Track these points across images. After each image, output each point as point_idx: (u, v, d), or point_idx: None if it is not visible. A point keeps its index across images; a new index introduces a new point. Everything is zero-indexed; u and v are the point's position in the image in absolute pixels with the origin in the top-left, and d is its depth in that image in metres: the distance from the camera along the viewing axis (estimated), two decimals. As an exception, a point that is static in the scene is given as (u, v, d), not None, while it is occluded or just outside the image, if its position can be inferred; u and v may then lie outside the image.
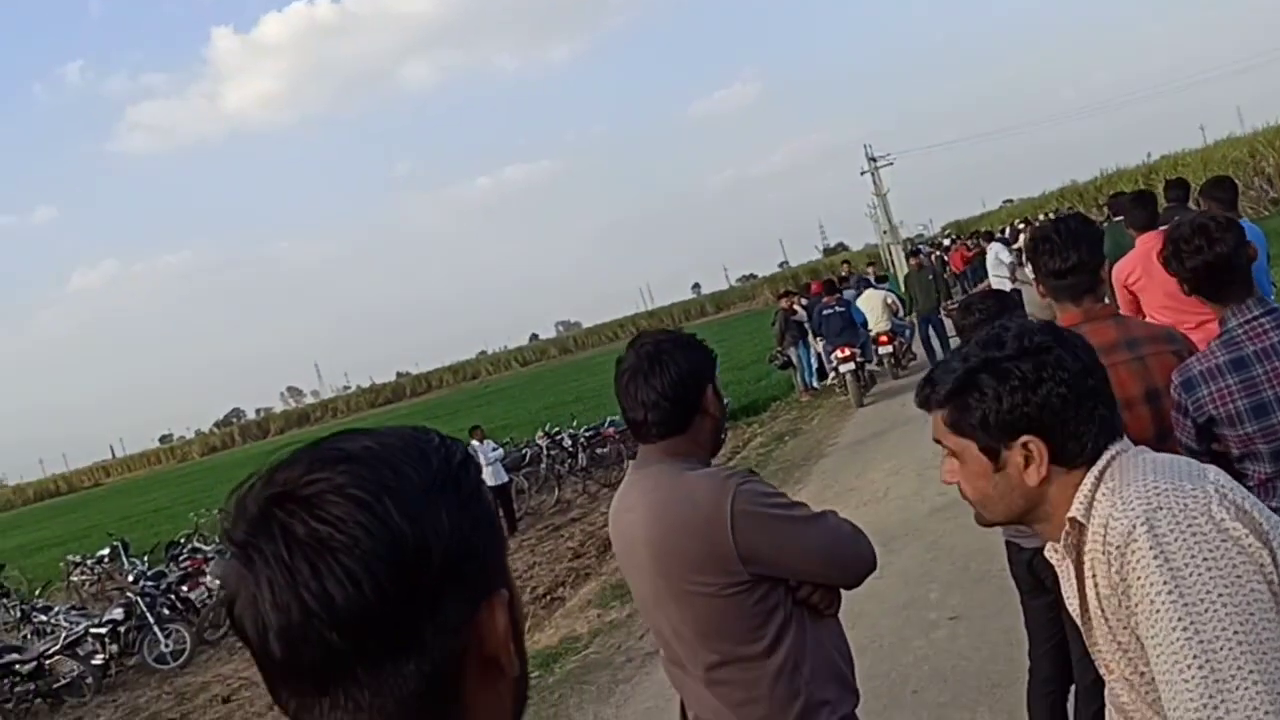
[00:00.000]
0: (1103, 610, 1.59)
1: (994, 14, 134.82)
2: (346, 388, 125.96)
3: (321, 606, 0.74)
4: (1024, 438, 1.61)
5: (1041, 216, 41.54)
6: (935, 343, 15.76)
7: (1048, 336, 1.64)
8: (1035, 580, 3.39)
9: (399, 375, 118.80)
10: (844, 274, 22.55)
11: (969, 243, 30.50)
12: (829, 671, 2.25)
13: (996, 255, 15.25)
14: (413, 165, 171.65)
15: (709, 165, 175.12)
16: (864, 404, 14.83)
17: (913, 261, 18.16)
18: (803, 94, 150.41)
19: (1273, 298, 7.76)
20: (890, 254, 44.07)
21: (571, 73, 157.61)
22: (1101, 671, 1.73)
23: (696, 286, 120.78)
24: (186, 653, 10.75)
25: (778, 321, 17.49)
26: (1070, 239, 2.91)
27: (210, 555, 13.66)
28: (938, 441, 1.71)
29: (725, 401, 2.43)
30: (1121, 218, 8.52)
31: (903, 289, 17.72)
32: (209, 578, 12.46)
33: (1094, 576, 1.58)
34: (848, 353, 14.81)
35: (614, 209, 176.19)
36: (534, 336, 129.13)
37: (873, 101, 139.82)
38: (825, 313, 15.47)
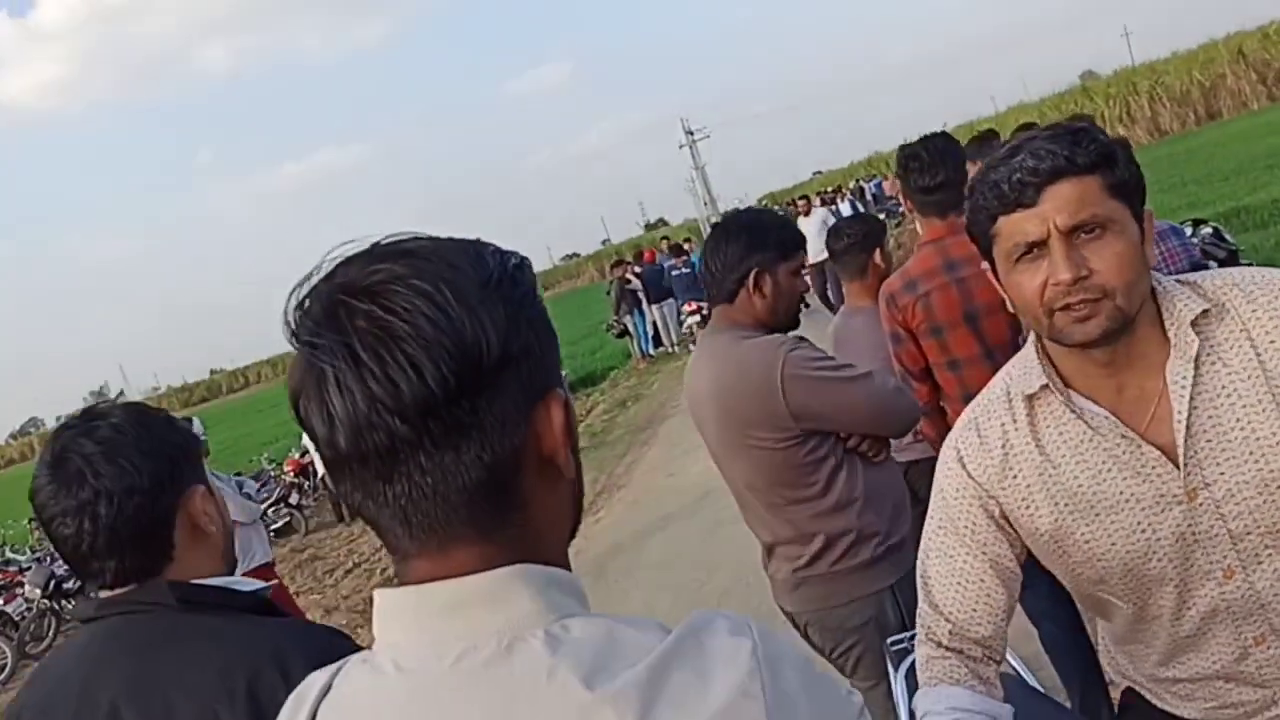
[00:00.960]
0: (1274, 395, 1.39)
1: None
2: (156, 389, 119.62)
3: (387, 394, 0.76)
4: (1147, 208, 1.46)
5: (853, 183, 43.24)
6: None
7: None
8: (911, 493, 3.56)
9: (213, 372, 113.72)
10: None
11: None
12: (880, 508, 2.54)
13: (824, 221, 15.21)
14: (216, 153, 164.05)
15: (526, 145, 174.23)
16: None
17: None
18: (616, 71, 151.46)
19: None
20: (710, 227, 44.88)
21: (381, 54, 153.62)
22: (1214, 576, 1.47)
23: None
24: (9, 668, 10.10)
25: (614, 291, 17.63)
26: (938, 156, 3.04)
27: (26, 566, 12.81)
28: (1074, 229, 1.36)
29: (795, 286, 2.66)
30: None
31: None
32: (26, 589, 11.71)
33: (1249, 356, 1.41)
34: (694, 306, 15.59)
35: (430, 192, 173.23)
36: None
37: (686, 77, 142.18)
38: (674, 273, 16.23)
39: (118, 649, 1.40)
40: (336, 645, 1.37)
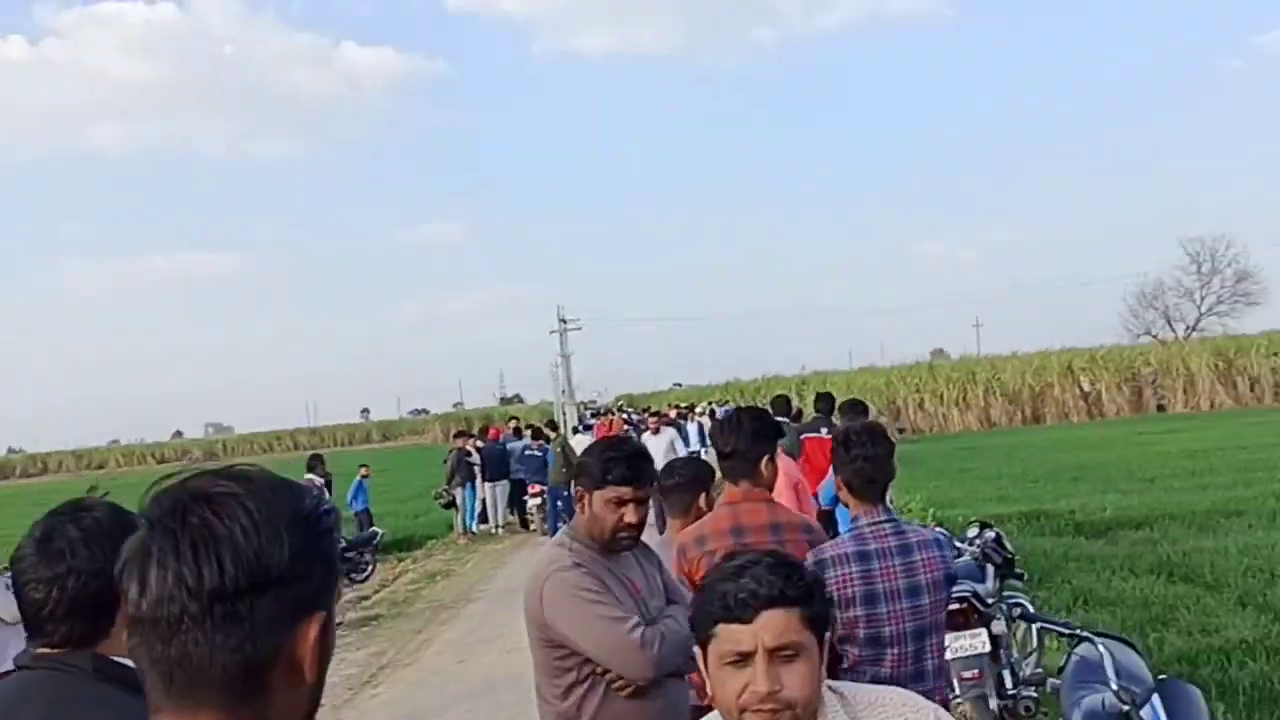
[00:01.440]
0: None
1: (690, 210, 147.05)
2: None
3: (191, 578, 0.99)
4: (829, 633, 1.80)
5: (703, 404, 44.57)
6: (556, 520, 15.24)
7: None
8: None
9: (10, 451, 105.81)
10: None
11: (617, 418, 30.36)
12: None
13: (671, 442, 15.63)
14: (82, 229, 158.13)
15: (401, 294, 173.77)
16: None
17: (556, 434, 17.52)
18: (508, 243, 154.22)
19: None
20: (565, 414, 45.33)
21: (280, 172, 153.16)
22: None
23: (366, 411, 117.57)
24: None
25: (450, 460, 17.56)
26: (733, 428, 3.40)
27: None
28: (776, 650, 1.69)
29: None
30: (780, 418, 9.57)
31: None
32: None
33: None
34: (536, 489, 16.37)
35: (293, 318, 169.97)
36: (178, 434, 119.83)
37: (573, 264, 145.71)
38: (528, 452, 16.49)
39: (34, 696, 1.72)
40: None
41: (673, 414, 28.12)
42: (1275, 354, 37.64)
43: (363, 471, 17.47)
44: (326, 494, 11.93)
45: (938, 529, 3.26)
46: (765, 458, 3.38)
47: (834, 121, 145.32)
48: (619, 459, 2.86)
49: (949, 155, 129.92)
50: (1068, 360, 40.43)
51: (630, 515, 2.82)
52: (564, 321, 43.96)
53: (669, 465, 4.21)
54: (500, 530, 17.55)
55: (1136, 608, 8.20)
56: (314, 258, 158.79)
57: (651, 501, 3.08)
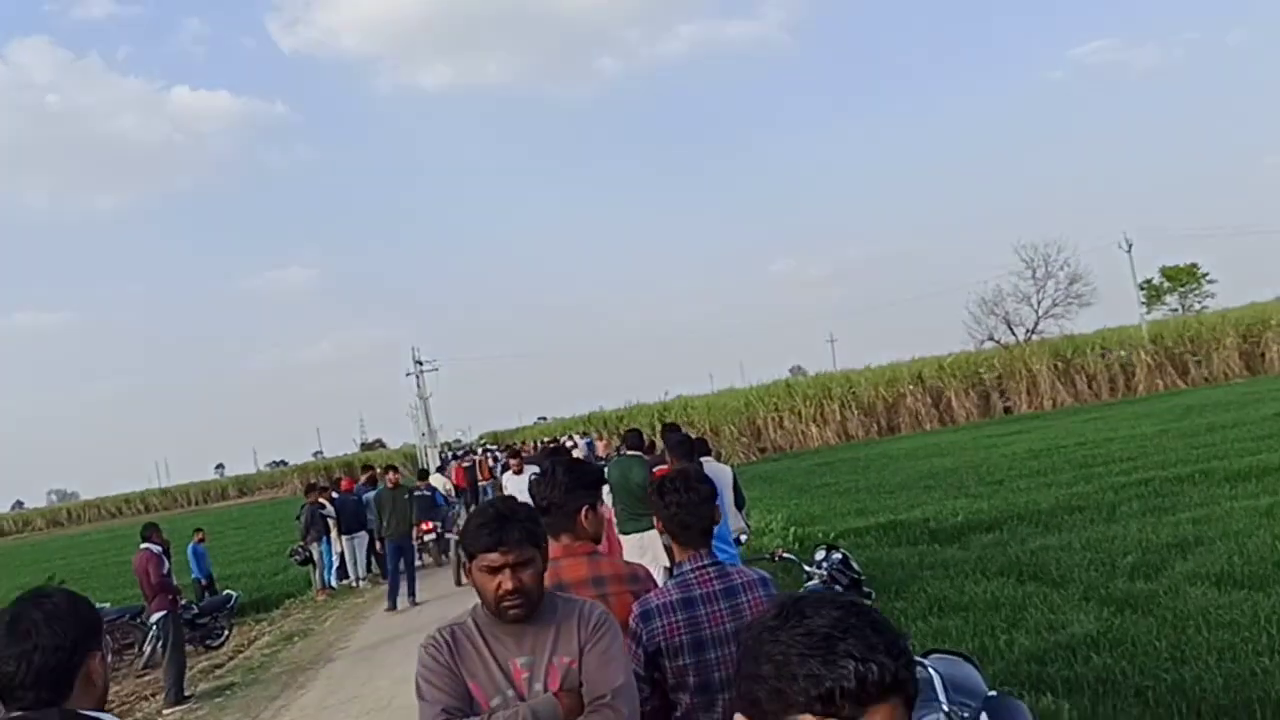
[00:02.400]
0: None
1: (542, 244, 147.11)
2: None
3: (35, 653, 2.15)
4: None
5: (572, 434, 44.41)
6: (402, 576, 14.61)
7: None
8: None
9: None
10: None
11: (483, 458, 30.01)
12: None
13: (518, 490, 15.12)
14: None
15: (251, 344, 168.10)
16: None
17: (390, 477, 16.13)
18: (357, 288, 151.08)
19: (745, 538, 8.92)
20: (427, 456, 44.52)
21: (113, 225, 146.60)
22: None
23: (220, 467, 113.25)
24: None
25: (304, 515, 16.94)
26: (548, 482, 3.30)
27: None
28: None
29: None
30: (634, 451, 9.47)
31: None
32: None
33: None
34: (430, 526, 16.74)
35: (137, 375, 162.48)
36: (19, 504, 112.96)
37: (426, 304, 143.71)
38: (416, 494, 16.09)
39: None
40: None
41: (528, 452, 27.92)
42: (1106, 351, 39.78)
43: (198, 537, 16.74)
44: (165, 562, 11.30)
45: (759, 571, 3.15)
46: (584, 509, 3.27)
47: (684, 147, 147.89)
48: (484, 524, 2.66)
49: (798, 176, 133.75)
50: (918, 370, 41.85)
51: (506, 582, 2.59)
52: (419, 363, 43.32)
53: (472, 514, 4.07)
54: (361, 583, 16.99)
55: (988, 610, 8.40)
56: (157, 311, 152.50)
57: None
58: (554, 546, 3.18)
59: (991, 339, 48.43)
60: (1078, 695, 5.96)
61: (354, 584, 16.95)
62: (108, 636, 13.67)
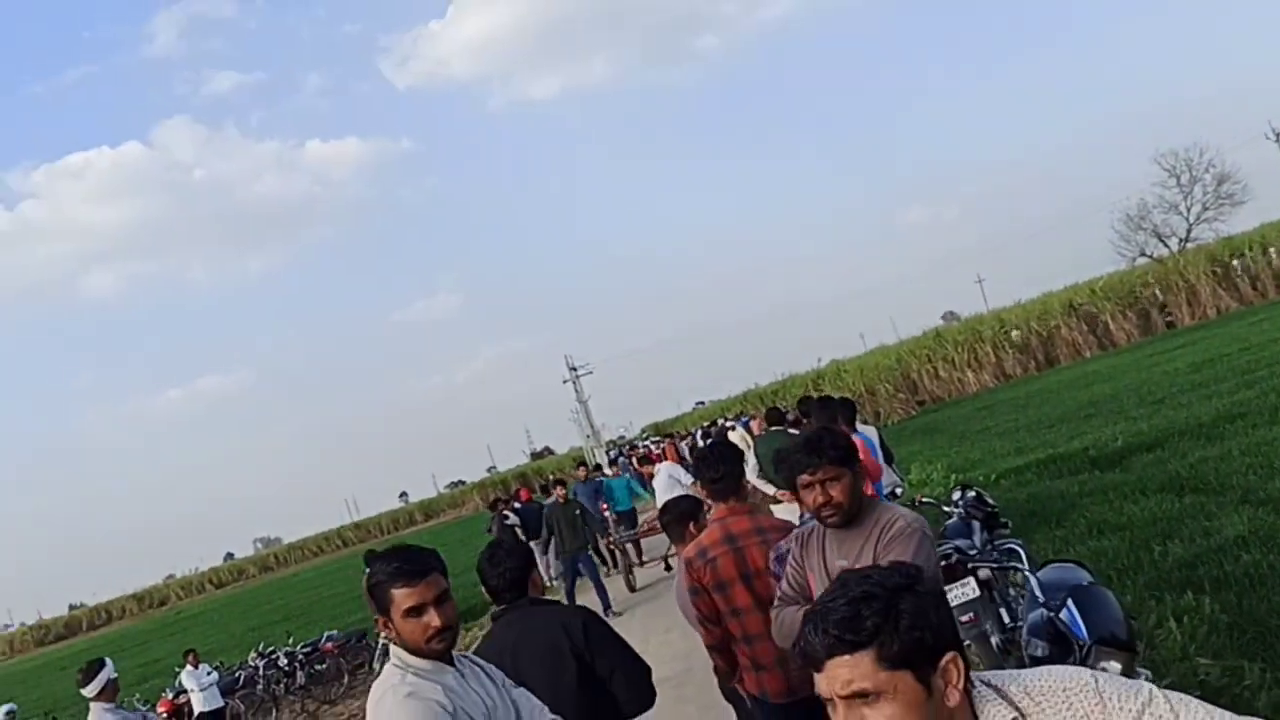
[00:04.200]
0: None
1: (673, 231, 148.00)
2: (8, 625, 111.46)
3: (506, 571, 3.57)
4: (947, 655, 1.63)
5: (725, 418, 45.17)
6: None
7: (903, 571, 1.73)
8: None
9: (72, 608, 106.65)
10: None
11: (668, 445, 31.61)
12: None
13: (670, 475, 15.48)
14: (96, 377, 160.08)
15: (413, 373, 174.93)
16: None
17: (558, 492, 15.60)
18: (502, 303, 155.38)
19: (899, 490, 9.51)
20: (594, 456, 46.01)
21: (271, 283, 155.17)
22: None
23: (404, 495, 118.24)
24: None
25: (493, 527, 18.23)
26: (720, 458, 4.11)
27: None
28: (851, 696, 1.60)
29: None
30: (777, 426, 10.18)
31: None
32: None
33: None
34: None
35: (315, 420, 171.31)
36: (229, 556, 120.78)
37: (570, 309, 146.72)
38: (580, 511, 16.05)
39: None
40: None
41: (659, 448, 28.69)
42: (1269, 248, 38.00)
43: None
44: None
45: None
46: (742, 479, 4.13)
47: (795, 111, 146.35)
48: (797, 450, 3.28)
49: (915, 119, 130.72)
50: (1069, 298, 40.88)
51: (819, 496, 3.21)
52: (573, 369, 44.77)
53: (664, 505, 4.88)
54: (554, 582, 18.18)
55: (1144, 526, 8.77)
56: (321, 356, 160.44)
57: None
58: (719, 508, 4.02)
59: (1143, 254, 46.79)
60: (1224, 591, 6.39)
61: (549, 583, 18.15)
62: (341, 659, 15.23)
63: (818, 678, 1.62)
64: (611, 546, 17.04)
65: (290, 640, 16.78)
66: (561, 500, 15.22)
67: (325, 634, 16.35)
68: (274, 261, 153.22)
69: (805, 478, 3.23)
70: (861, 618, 1.58)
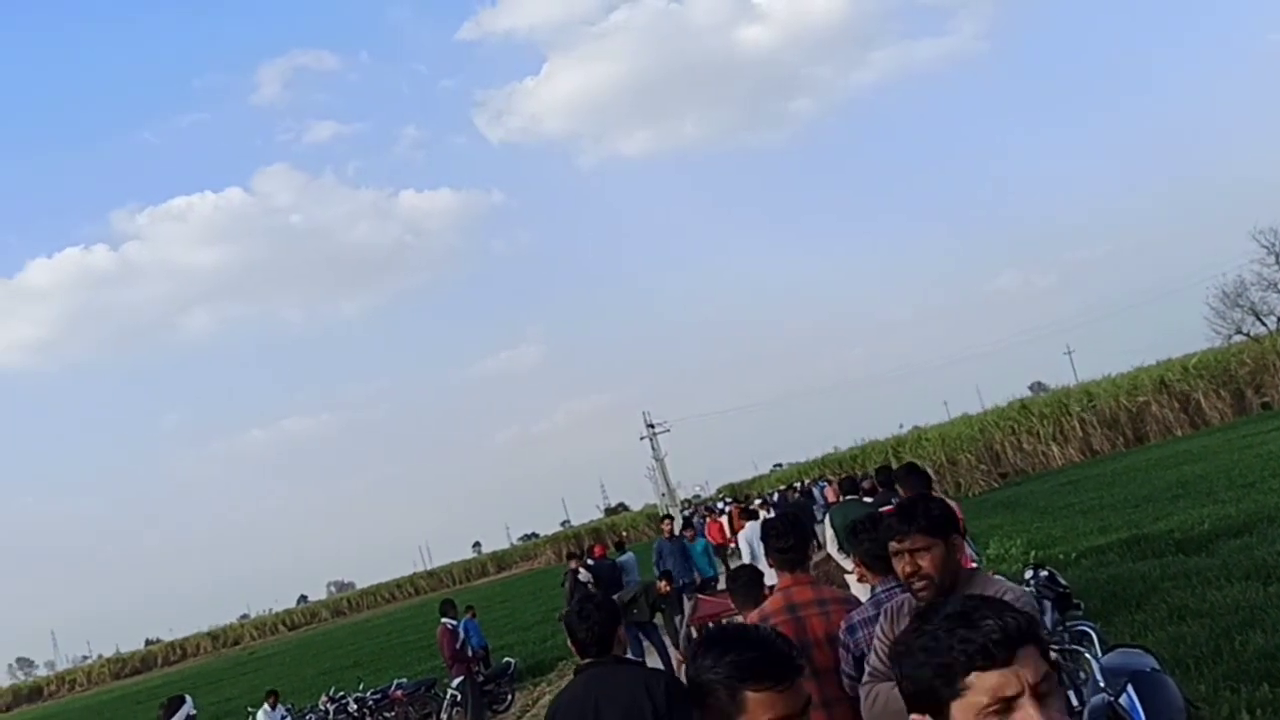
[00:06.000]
0: None
1: (757, 292, 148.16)
2: (86, 657, 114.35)
3: (595, 625, 3.59)
4: None
5: (804, 480, 44.80)
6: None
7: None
8: None
9: (149, 642, 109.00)
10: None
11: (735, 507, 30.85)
12: None
13: (749, 540, 14.58)
14: (183, 416, 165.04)
15: (491, 423, 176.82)
16: None
17: (664, 525, 16.01)
18: (584, 357, 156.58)
19: (973, 564, 9.42)
20: (670, 516, 45.91)
21: (359, 328, 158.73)
22: None
23: (477, 545, 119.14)
24: None
25: (567, 581, 18.35)
26: (790, 529, 4.23)
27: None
28: (1026, 692, 1.45)
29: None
30: (850, 496, 10.18)
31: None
32: None
33: None
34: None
35: (393, 466, 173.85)
36: (303, 598, 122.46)
37: (650, 366, 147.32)
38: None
39: None
40: None
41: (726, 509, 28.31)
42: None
43: (469, 614, 18.37)
44: (460, 634, 12.81)
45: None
46: (809, 549, 4.25)
47: (888, 174, 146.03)
48: (894, 516, 3.18)
49: (1011, 185, 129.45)
50: (1160, 374, 39.93)
51: (907, 566, 3.12)
52: (651, 426, 44.90)
53: (732, 573, 4.99)
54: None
55: (1227, 614, 8.57)
56: (404, 404, 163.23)
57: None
58: (784, 577, 4.12)
59: (1240, 332, 45.58)
60: (1306, 685, 6.24)
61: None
62: (410, 708, 15.43)
63: (998, 675, 1.45)
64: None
65: (361, 686, 17.05)
66: (662, 593, 14.68)
67: (395, 681, 16.57)
68: (364, 307, 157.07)
69: (894, 545, 3.15)
70: (1021, 618, 1.49)
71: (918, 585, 3.11)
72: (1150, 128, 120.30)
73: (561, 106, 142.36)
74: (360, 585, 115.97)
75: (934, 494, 9.02)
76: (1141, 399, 38.70)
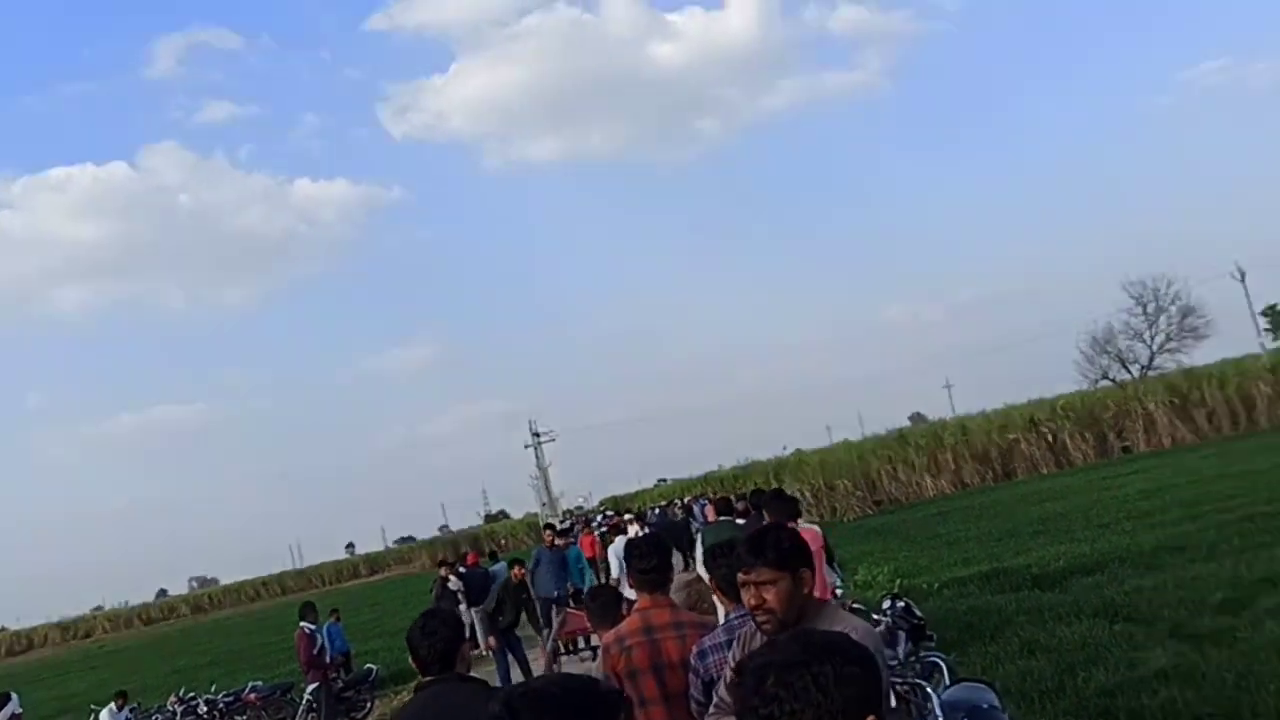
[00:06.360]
0: None
1: (653, 307, 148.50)
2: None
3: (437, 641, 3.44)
4: None
5: (686, 498, 45.08)
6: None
7: None
8: None
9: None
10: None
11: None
12: None
13: (618, 554, 15.32)
14: (47, 396, 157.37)
15: (375, 423, 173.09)
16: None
17: (546, 536, 16.51)
18: (476, 361, 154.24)
19: (839, 592, 9.56)
20: (552, 524, 45.71)
21: (242, 316, 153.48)
22: None
23: (351, 546, 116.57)
24: None
25: (435, 589, 18.05)
26: (653, 549, 4.20)
27: None
28: None
29: None
30: (724, 517, 10.25)
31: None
32: None
33: None
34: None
35: (268, 461, 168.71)
36: (163, 592, 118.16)
37: (542, 374, 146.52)
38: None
39: None
40: None
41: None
42: (1226, 385, 38.76)
43: (334, 617, 17.95)
44: (318, 639, 12.47)
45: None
46: (670, 571, 4.21)
47: (789, 200, 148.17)
48: (743, 544, 3.22)
49: (906, 220, 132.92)
50: (1030, 413, 41.41)
51: (751, 599, 3.07)
52: (537, 435, 44.70)
53: (591, 591, 4.96)
54: (489, 654, 17.96)
55: (1074, 650, 8.87)
56: (285, 397, 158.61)
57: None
58: (644, 599, 4.08)
59: (1106, 377, 47.66)
60: (1141, 724, 6.49)
61: (483, 653, 17.93)
62: (263, 712, 14.95)
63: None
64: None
65: (213, 687, 16.46)
66: (516, 580, 15.00)
67: (250, 684, 16.04)
68: (250, 295, 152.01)
69: (741, 576, 3.10)
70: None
71: (761, 619, 3.07)
72: (1038, 178, 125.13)
73: (469, 106, 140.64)
74: (224, 581, 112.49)
75: (796, 523, 9.15)
76: (1012, 436, 40.07)
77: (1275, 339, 60.23)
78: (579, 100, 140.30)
